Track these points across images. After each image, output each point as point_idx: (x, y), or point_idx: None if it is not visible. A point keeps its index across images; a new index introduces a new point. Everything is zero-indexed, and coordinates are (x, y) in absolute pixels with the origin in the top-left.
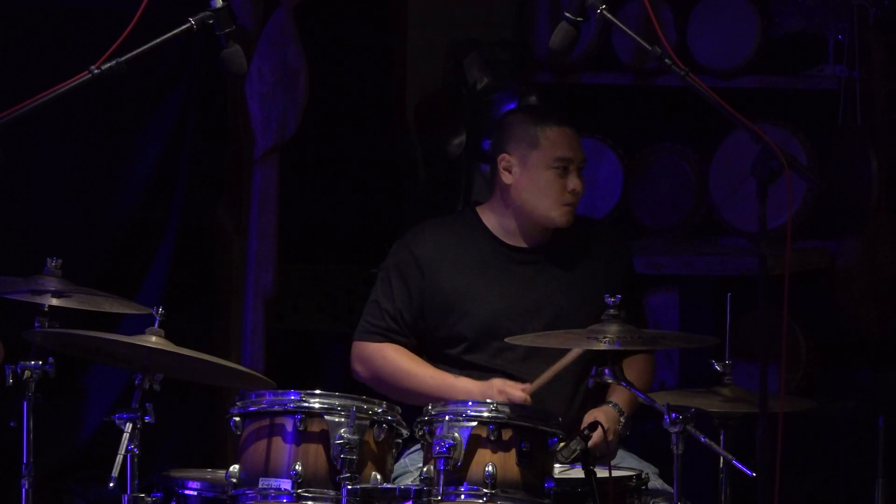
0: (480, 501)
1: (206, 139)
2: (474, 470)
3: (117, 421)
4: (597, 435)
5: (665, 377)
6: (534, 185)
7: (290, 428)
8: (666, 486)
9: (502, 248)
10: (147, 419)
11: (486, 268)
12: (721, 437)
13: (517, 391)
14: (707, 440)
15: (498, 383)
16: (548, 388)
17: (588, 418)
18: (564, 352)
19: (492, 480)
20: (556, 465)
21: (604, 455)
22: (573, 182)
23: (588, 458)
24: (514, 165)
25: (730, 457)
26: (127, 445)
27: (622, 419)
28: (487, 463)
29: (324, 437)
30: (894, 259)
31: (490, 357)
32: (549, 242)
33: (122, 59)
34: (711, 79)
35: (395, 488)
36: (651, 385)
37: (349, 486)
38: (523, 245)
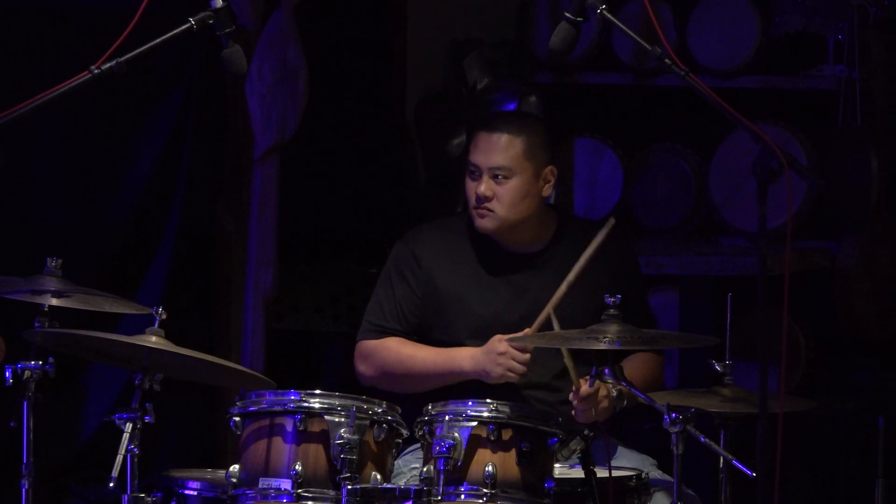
0: (480, 501)
1: (205, 139)
2: (474, 470)
3: (117, 421)
4: (584, 389)
5: (665, 377)
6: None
7: (290, 428)
8: (665, 476)
9: (500, 251)
10: (147, 419)
11: (482, 272)
12: (721, 437)
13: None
14: (707, 440)
15: (499, 337)
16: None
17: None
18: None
19: (492, 480)
20: (556, 465)
21: (591, 414)
22: (479, 187)
23: (588, 459)
24: None
25: (730, 457)
26: (127, 445)
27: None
28: (487, 463)
29: (324, 437)
30: (894, 259)
31: None
32: (549, 245)
33: (122, 59)
34: (711, 79)
35: (395, 488)
36: (655, 382)
37: (349, 486)
38: (521, 248)
